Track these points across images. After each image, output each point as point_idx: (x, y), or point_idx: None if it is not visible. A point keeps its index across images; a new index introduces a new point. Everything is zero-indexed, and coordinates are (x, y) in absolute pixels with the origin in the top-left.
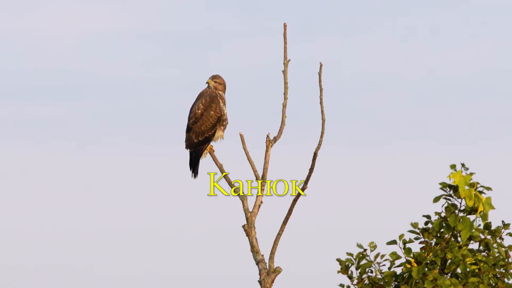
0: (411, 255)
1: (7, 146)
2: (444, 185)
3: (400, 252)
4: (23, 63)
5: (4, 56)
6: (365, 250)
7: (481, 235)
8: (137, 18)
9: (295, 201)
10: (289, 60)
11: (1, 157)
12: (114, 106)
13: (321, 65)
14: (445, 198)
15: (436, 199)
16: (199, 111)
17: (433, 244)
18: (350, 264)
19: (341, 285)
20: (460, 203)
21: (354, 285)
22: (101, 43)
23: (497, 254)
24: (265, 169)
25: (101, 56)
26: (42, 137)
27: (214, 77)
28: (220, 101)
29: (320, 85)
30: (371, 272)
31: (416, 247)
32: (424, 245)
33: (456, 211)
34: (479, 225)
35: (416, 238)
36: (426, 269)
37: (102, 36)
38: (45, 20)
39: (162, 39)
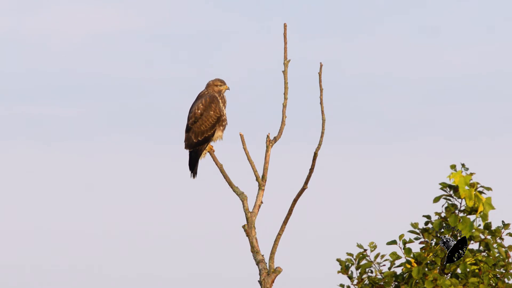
0: (411, 255)
1: (10, 146)
2: (444, 185)
3: (400, 252)
4: (28, 63)
5: (9, 56)
6: (365, 250)
7: (481, 235)
8: (144, 19)
9: (295, 201)
10: (289, 60)
11: (5, 157)
12: (118, 106)
13: (321, 65)
14: (445, 198)
15: (436, 199)
16: (199, 111)
17: (433, 244)
18: (350, 264)
19: (341, 285)
20: (460, 203)
21: (354, 285)
22: (107, 43)
23: (497, 254)
24: (265, 169)
25: (107, 57)
26: (46, 137)
27: (222, 81)
28: (220, 101)
29: (320, 85)
30: (371, 272)
31: (416, 247)
32: (424, 245)
33: (456, 211)
34: (479, 225)
35: (416, 238)
36: (426, 269)
37: (108, 37)
38: (51, 20)
39: (167, 39)
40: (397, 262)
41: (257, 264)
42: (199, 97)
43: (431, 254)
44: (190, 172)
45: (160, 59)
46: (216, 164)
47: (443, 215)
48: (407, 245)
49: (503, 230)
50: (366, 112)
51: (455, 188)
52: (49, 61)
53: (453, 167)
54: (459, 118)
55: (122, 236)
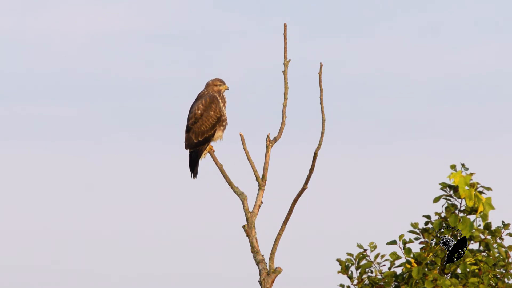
0: (411, 255)
1: (10, 146)
2: (444, 185)
3: (400, 252)
4: (28, 63)
5: (9, 56)
6: (365, 250)
7: (481, 235)
8: (144, 19)
9: (295, 201)
10: (289, 60)
11: (5, 157)
12: (118, 106)
13: (321, 65)
14: (445, 198)
15: (436, 199)
16: (199, 111)
17: (433, 244)
18: (350, 264)
19: (341, 285)
20: (460, 203)
21: (354, 285)
22: (107, 43)
23: (497, 254)
24: (265, 169)
25: (107, 57)
26: (46, 137)
27: (221, 81)
28: (220, 101)
29: (320, 85)
30: (371, 272)
31: (416, 247)
32: (424, 245)
33: (456, 211)
34: (479, 225)
35: (416, 238)
36: (426, 269)
37: (109, 37)
38: (51, 20)
39: (167, 39)
40: (397, 262)
41: (257, 264)
42: (199, 97)
43: (431, 254)
44: (190, 173)
45: (160, 59)
46: (216, 164)
47: (443, 215)
48: (407, 245)
49: (503, 230)
50: (366, 112)
51: (455, 188)
52: (49, 61)
53: (453, 167)
54: (459, 118)
55: (122, 236)
